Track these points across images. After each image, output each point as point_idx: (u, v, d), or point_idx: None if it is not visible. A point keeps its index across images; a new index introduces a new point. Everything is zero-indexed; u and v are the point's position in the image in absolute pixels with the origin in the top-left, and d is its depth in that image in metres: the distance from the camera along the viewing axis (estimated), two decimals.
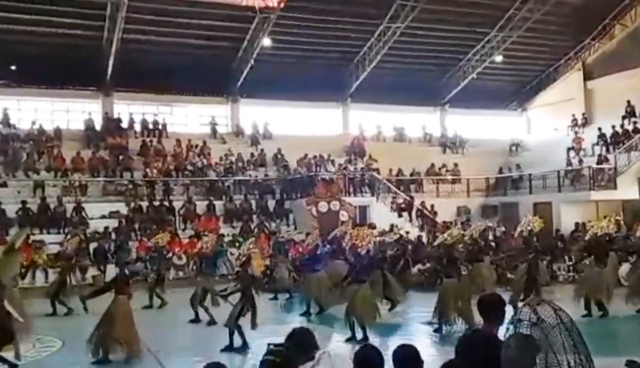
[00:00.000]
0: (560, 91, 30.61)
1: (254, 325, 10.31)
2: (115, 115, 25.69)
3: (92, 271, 19.01)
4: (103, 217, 21.36)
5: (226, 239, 20.62)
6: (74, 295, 14.31)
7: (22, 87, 24.40)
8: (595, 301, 12.47)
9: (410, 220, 23.84)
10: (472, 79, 29.29)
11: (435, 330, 11.27)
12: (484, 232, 18.15)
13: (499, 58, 28.59)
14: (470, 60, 29.11)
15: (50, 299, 14.39)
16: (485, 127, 31.72)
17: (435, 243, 15.43)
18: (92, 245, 19.86)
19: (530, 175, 25.70)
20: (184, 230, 21.76)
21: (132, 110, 26.35)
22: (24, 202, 20.55)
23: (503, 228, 22.11)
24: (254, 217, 23.19)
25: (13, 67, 23.82)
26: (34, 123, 24.38)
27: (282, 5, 23.13)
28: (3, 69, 23.68)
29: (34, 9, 21.56)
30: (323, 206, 21.97)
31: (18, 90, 24.48)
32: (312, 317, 13.50)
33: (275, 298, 16.37)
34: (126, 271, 11.32)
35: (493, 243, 19.42)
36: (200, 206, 22.80)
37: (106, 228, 20.57)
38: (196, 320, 12.96)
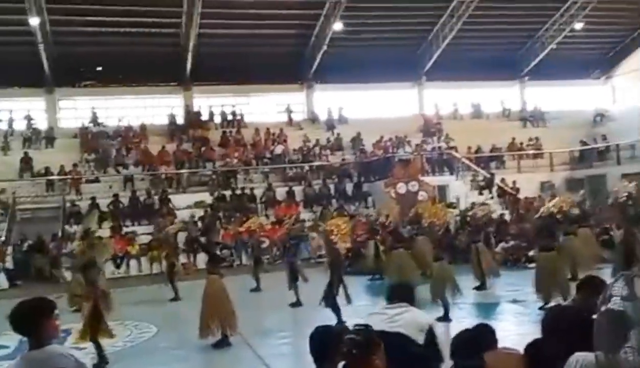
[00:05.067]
0: None
1: (348, 300, 10.51)
2: (196, 109, 26.54)
3: (182, 259, 19.76)
4: (189, 207, 22.16)
5: (307, 224, 20.95)
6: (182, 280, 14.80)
7: (108, 87, 25.61)
8: None
9: (492, 198, 23.41)
10: (552, 49, 28.26)
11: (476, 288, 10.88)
12: (579, 203, 17.31)
13: (579, 25, 27.44)
14: (549, 30, 28.09)
15: (170, 284, 14.71)
16: (567, 99, 30.58)
17: (537, 215, 14.89)
18: (181, 234, 20.63)
19: (617, 145, 24.64)
20: (266, 216, 22.28)
21: (211, 102, 27.10)
22: (115, 196, 21.63)
23: (589, 202, 21.32)
24: (333, 201, 23.44)
25: (99, 68, 25.04)
26: (120, 120, 25.58)
27: None
28: (90, 70, 24.98)
29: (114, 11, 22.51)
30: (401, 187, 21.90)
31: (104, 89, 25.74)
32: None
33: (380, 279, 15.59)
34: (217, 251, 11.29)
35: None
36: (280, 192, 23.28)
37: (192, 217, 21.32)
38: (297, 303, 12.84)
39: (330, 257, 11.03)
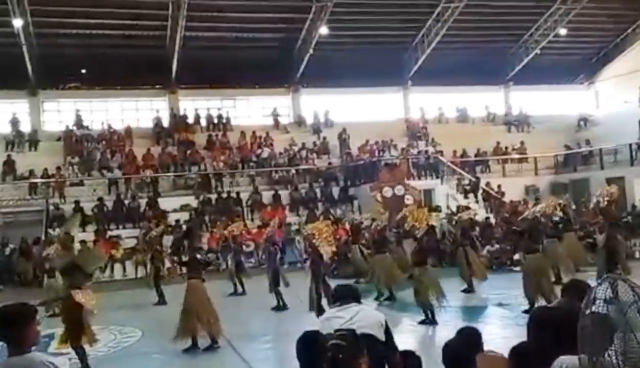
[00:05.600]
0: (630, 61, 29.35)
1: (331, 303, 10.41)
2: (182, 112, 26.43)
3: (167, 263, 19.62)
4: (174, 210, 22.03)
5: (293, 228, 20.94)
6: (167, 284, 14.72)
7: (93, 89, 25.42)
8: None
9: (477, 202, 23.52)
10: (536, 54, 28.50)
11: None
12: (564, 207, 17.44)
13: (563, 31, 27.70)
14: (533, 35, 28.32)
15: (154, 289, 14.64)
16: (551, 103, 30.83)
17: (522, 217, 14.92)
18: (166, 238, 20.48)
19: (600, 150, 24.87)
20: (252, 220, 22.23)
21: (197, 105, 27.01)
22: (100, 199, 21.45)
23: (574, 206, 21.46)
24: (319, 204, 23.43)
25: (83, 71, 24.86)
26: (102, 123, 25.38)
27: None
28: (74, 72, 24.77)
29: (98, 13, 22.37)
30: (387, 191, 21.93)
31: (89, 92, 25.55)
32: (387, 301, 13.23)
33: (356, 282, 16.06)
34: (197, 255, 11.07)
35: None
36: (267, 196, 23.22)
37: (177, 221, 21.21)
38: (282, 307, 12.74)
39: (312, 261, 11.02)
